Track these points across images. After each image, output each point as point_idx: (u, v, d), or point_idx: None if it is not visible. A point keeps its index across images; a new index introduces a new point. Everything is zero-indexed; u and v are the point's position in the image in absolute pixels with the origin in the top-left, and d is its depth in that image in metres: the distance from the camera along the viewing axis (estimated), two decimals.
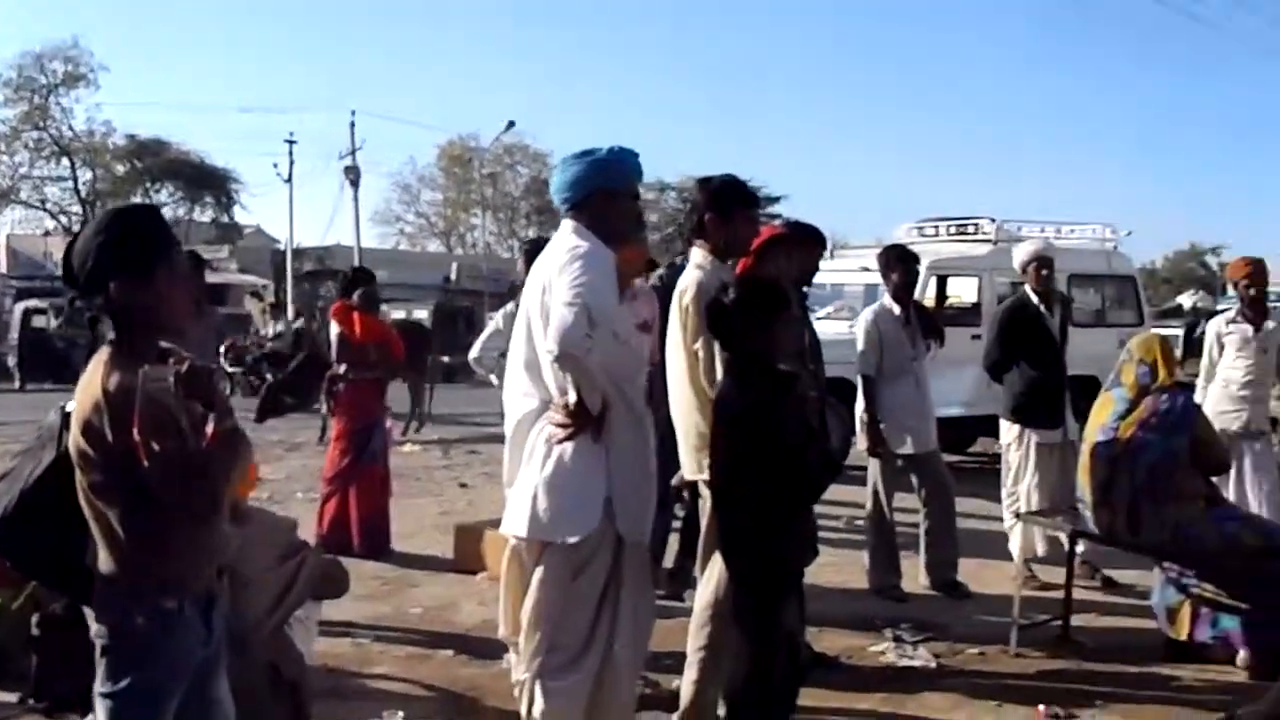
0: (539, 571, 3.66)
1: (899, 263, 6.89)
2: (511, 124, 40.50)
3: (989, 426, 7.88)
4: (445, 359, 32.55)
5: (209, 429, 2.49)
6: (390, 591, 6.62)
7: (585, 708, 3.65)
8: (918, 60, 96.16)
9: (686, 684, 4.24)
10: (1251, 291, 7.57)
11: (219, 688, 2.78)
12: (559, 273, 3.60)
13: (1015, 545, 6.78)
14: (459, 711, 4.75)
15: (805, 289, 5.99)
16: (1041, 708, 4.73)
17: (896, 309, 6.83)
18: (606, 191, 3.82)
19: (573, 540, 3.60)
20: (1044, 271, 7.10)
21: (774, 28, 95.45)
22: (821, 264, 5.99)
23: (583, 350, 3.44)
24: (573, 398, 3.58)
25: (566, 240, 3.75)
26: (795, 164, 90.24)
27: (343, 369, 7.90)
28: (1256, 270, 7.68)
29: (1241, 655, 5.29)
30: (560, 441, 3.61)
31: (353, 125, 38.47)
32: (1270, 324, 7.57)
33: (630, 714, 3.90)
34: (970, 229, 12.88)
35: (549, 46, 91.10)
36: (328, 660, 5.17)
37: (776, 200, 42.18)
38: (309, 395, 10.06)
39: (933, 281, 12.11)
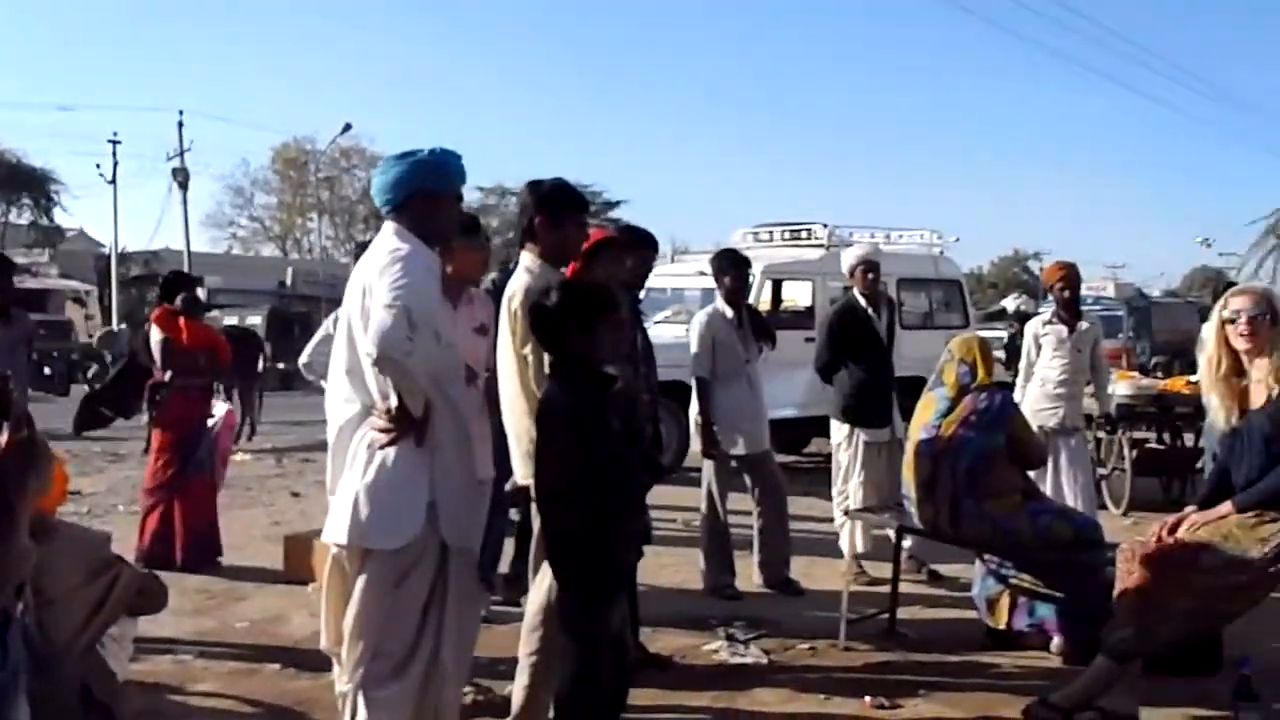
0: (361, 579, 3.58)
1: (731, 267, 7.00)
2: (348, 126, 39.84)
3: (823, 427, 8.05)
4: (281, 366, 31.77)
5: (1, 439, 2.37)
6: (216, 605, 6.41)
7: (410, 717, 3.59)
8: (757, 67, 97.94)
9: (518, 689, 4.21)
10: (1065, 294, 7.91)
11: (18, 710, 2.64)
12: (379, 275, 3.53)
13: (844, 542, 6.94)
14: None
15: (638, 293, 6.04)
16: (867, 699, 4.84)
17: (729, 312, 6.93)
18: (428, 193, 3.77)
19: (395, 547, 3.54)
20: (870, 275, 7.29)
21: (617, 33, 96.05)
22: (662, 269, 6.05)
23: (403, 353, 3.38)
24: (394, 402, 3.52)
25: (387, 242, 3.68)
26: (638, 170, 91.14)
27: (168, 376, 7.62)
28: (1070, 274, 8.03)
29: (1056, 642, 5.51)
30: (382, 447, 3.55)
31: (181, 125, 37.42)
32: (1084, 325, 7.92)
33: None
34: (804, 234, 13.18)
35: (388, 48, 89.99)
36: (146, 678, 4.97)
37: (616, 205, 42.58)
38: (129, 405, 9.68)
39: (768, 285, 12.35)
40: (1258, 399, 4.51)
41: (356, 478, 3.57)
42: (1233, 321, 4.51)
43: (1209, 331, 4.68)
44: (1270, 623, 5.35)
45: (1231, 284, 8.35)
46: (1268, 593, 4.49)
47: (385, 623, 3.57)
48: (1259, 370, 4.49)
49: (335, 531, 3.61)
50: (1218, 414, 4.66)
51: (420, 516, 3.54)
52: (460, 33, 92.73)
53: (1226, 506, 4.54)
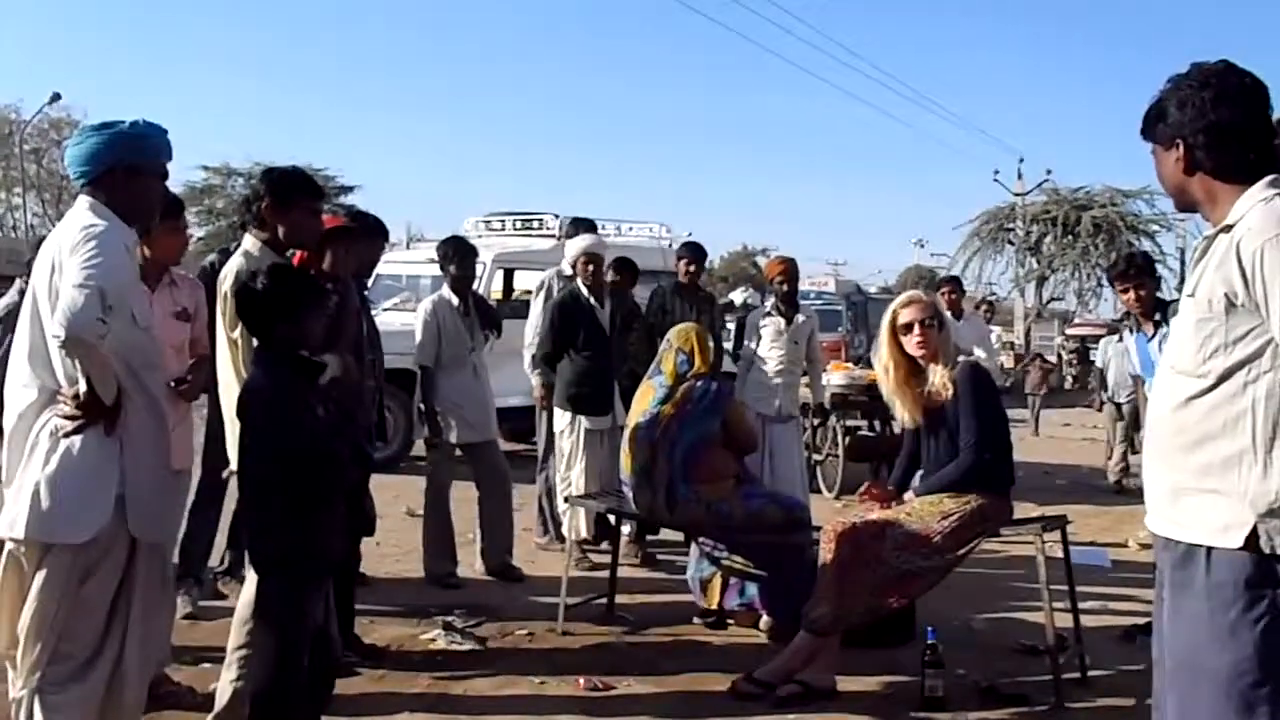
0: (40, 576, 3.34)
1: (456, 254, 6.96)
2: (57, 96, 37.04)
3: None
4: None
5: None
6: None
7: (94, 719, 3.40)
8: (496, 55, 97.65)
9: (224, 684, 4.06)
10: (784, 288, 8.25)
11: None
12: (70, 252, 3.31)
13: (566, 528, 7.01)
14: None
15: (365, 280, 5.92)
16: (581, 680, 4.91)
17: (455, 300, 6.89)
18: (129, 167, 3.57)
19: (79, 540, 3.33)
20: (590, 267, 7.40)
21: (353, 15, 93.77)
22: (394, 255, 5.96)
23: (95, 335, 3.19)
24: (83, 387, 3.31)
25: (81, 218, 3.46)
26: (373, 155, 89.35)
27: None
28: (788, 269, 8.38)
29: (764, 620, 5.74)
30: (68, 435, 3.33)
31: None
32: (800, 318, 8.29)
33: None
34: (535, 224, 13.23)
35: (106, 15, 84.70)
36: None
37: (350, 190, 41.45)
38: None
39: (499, 274, 12.33)
40: (939, 399, 4.83)
41: (37, 467, 3.34)
42: (907, 331, 4.82)
43: (881, 341, 4.99)
44: (954, 597, 5.77)
45: (956, 279, 8.93)
46: (951, 568, 4.82)
47: (67, 622, 3.35)
48: (934, 374, 4.82)
49: (11, 524, 3.37)
50: (902, 415, 4.98)
51: (108, 509, 3.35)
52: (191, 6, 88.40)
53: (908, 495, 4.88)
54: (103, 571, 3.39)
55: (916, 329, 4.80)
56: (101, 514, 3.34)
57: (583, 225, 8.42)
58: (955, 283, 10.42)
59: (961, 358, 4.89)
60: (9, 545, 3.43)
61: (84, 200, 3.55)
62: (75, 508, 3.32)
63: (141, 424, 3.45)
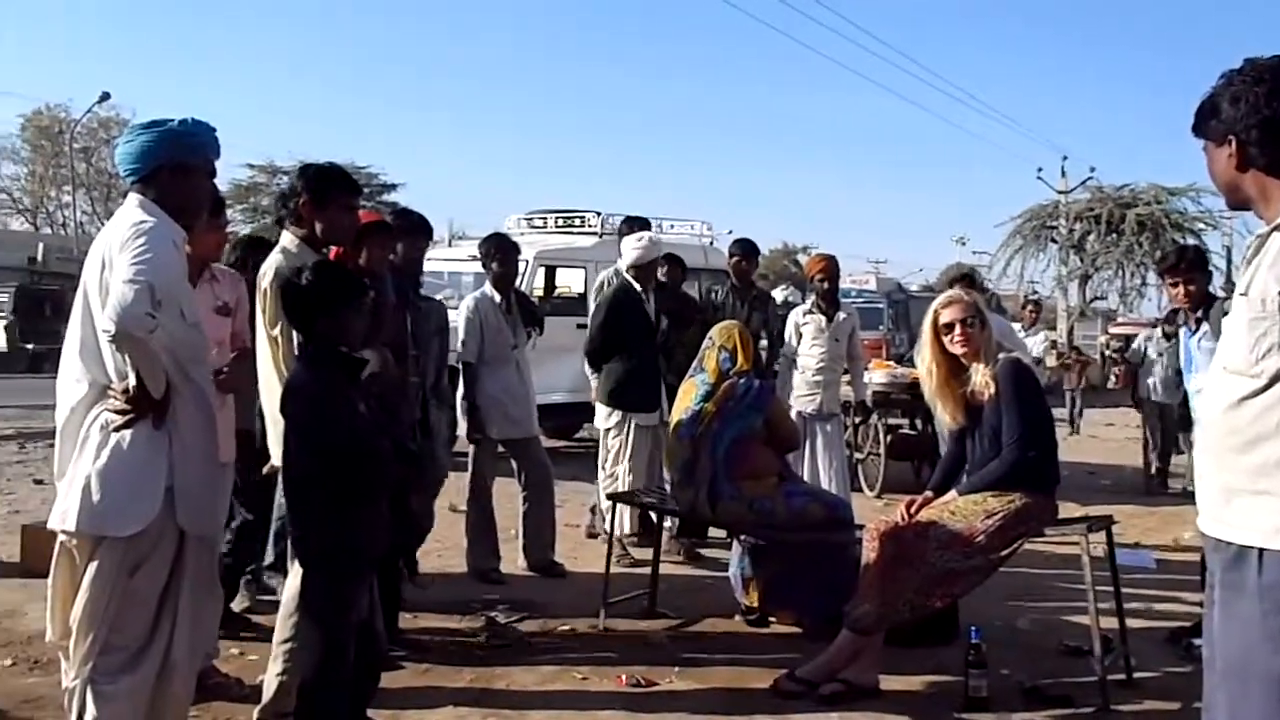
0: (92, 567, 3.38)
1: (499, 251, 6.99)
2: (106, 95, 37.43)
3: (592, 413, 8.11)
4: (29, 346, 29.93)
5: None
6: None
7: (141, 712, 3.44)
8: (537, 55, 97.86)
9: (270, 676, 4.11)
10: (825, 285, 8.23)
11: None
12: (120, 249, 3.35)
13: (609, 525, 7.01)
14: None
15: (418, 278, 5.96)
16: (623, 677, 4.92)
17: (497, 296, 6.91)
18: (178, 164, 3.60)
19: (129, 533, 3.37)
20: (650, 264, 7.42)
21: (398, 15, 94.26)
22: (436, 252, 5.98)
23: (145, 330, 3.23)
24: (133, 381, 3.35)
25: (131, 215, 3.50)
26: (416, 153, 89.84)
27: None
28: (829, 266, 8.36)
29: (804, 619, 5.72)
30: (118, 428, 3.37)
31: None
32: (841, 315, 8.26)
33: (186, 714, 3.70)
34: (577, 221, 13.25)
35: (153, 14, 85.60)
36: None
37: (393, 188, 41.66)
38: None
39: (540, 272, 12.37)
40: (982, 398, 4.80)
41: (88, 461, 3.38)
42: (948, 331, 4.80)
43: (923, 341, 4.96)
44: (998, 596, 5.73)
45: (970, 276, 8.80)
46: (995, 568, 4.78)
47: (117, 614, 3.39)
48: (978, 373, 4.79)
49: (64, 517, 3.42)
50: (944, 416, 4.95)
51: (157, 502, 3.38)
52: (238, 5, 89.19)
53: (952, 494, 4.85)
54: (152, 564, 3.43)
55: (958, 328, 4.78)
56: (151, 507, 3.38)
57: (637, 224, 8.39)
58: (969, 280, 9.99)
59: (1002, 354, 4.85)
60: (61, 537, 3.48)
61: (134, 197, 3.59)
62: (125, 501, 3.36)
63: (190, 418, 3.49)
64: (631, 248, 7.50)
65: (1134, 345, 12.70)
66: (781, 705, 4.66)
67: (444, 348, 6.22)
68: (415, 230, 5.80)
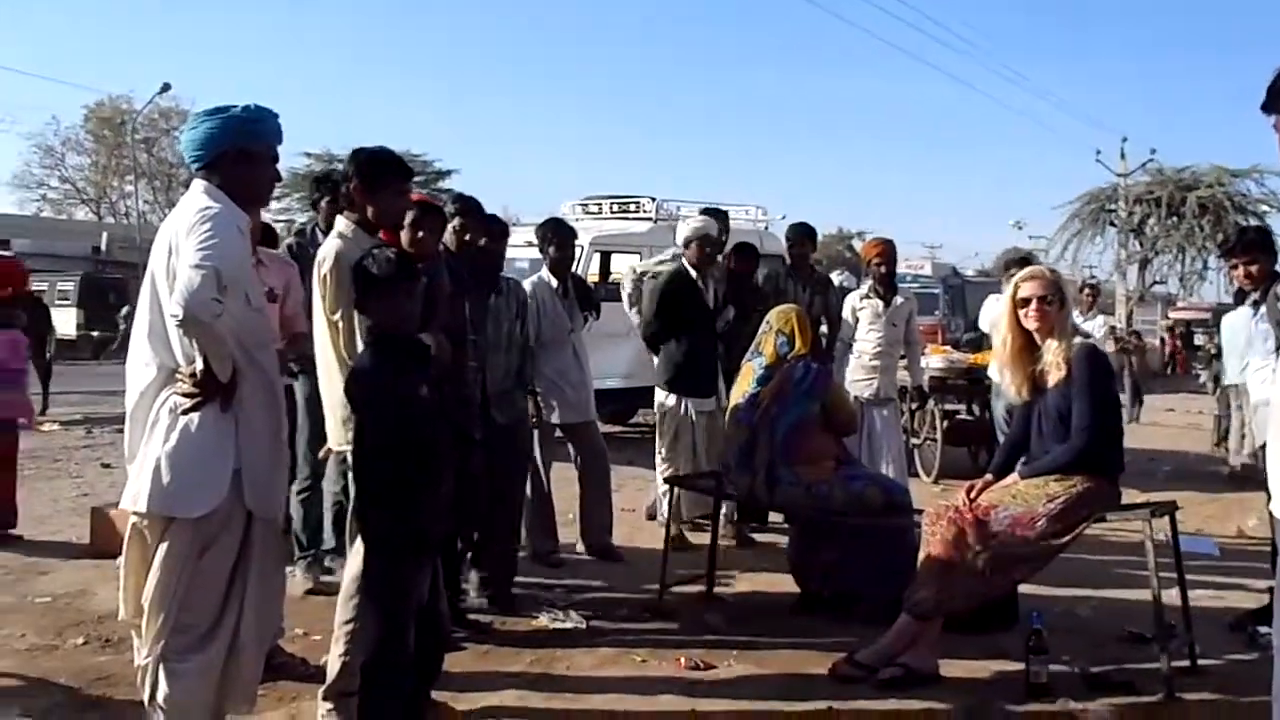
0: (162, 548, 3.45)
1: (555, 236, 7.00)
2: (167, 86, 37.82)
3: (648, 398, 8.13)
4: (95, 334, 30.45)
5: None
6: (14, 580, 6.14)
7: (212, 689, 3.50)
8: (593, 40, 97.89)
9: (333, 658, 4.15)
10: (881, 269, 8.17)
11: None
12: (187, 234, 3.40)
13: (666, 509, 7.03)
14: (87, 703, 4.45)
15: (499, 266, 5.98)
16: (682, 660, 4.94)
17: (554, 281, 6.93)
18: (241, 151, 3.64)
19: (198, 515, 3.43)
20: (707, 249, 7.40)
21: (454, 2, 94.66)
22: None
23: (211, 315, 3.28)
24: (200, 365, 3.41)
25: (196, 201, 3.55)
26: (470, 140, 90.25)
27: None
28: (886, 250, 8.29)
29: (862, 604, 5.69)
30: (186, 412, 3.43)
31: None
32: (899, 300, 8.20)
33: (255, 692, 3.77)
34: (632, 207, 13.25)
35: (213, 6, 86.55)
36: None
37: (448, 175, 41.88)
38: None
39: (596, 257, 12.39)
40: (1051, 378, 4.76)
41: (158, 444, 3.44)
42: (1025, 305, 4.76)
43: (1002, 312, 4.93)
44: (1058, 582, 5.67)
45: (1027, 260, 8.72)
46: (1056, 553, 4.74)
47: (187, 594, 3.46)
48: (1050, 351, 4.75)
49: (135, 499, 3.49)
50: (1010, 388, 4.93)
51: (225, 483, 3.44)
52: None
53: (1013, 477, 4.81)
54: (221, 544, 3.49)
55: (1034, 304, 4.75)
56: (219, 489, 3.44)
57: (709, 212, 8.34)
58: (1025, 264, 9.70)
59: (1078, 339, 4.80)
60: (133, 519, 3.55)
61: (199, 184, 3.64)
62: (194, 483, 3.42)
63: (256, 401, 3.54)
64: (682, 228, 7.51)
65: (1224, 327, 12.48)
66: (840, 690, 4.65)
67: (524, 332, 6.24)
68: (471, 214, 5.81)
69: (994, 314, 8.51)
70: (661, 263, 8.09)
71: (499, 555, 5.83)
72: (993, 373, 8.75)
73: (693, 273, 7.38)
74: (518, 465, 6.15)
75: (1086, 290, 14.13)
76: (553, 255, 6.95)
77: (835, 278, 13.82)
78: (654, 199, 13.02)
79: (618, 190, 13.87)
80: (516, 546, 6.17)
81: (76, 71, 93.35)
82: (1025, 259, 8.99)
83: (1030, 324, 4.78)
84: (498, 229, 5.94)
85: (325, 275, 4.28)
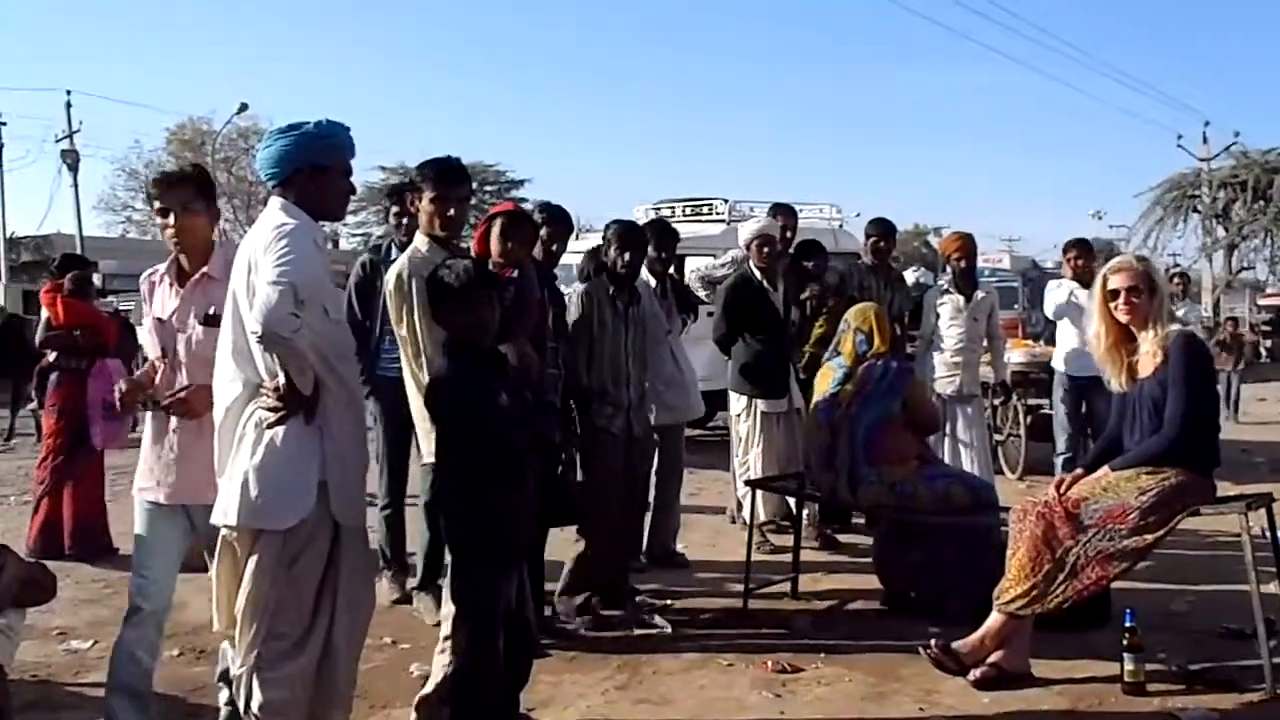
0: (253, 560, 3.49)
1: (657, 237, 6.96)
2: (244, 106, 38.56)
3: (725, 401, 8.09)
4: None
5: None
6: (111, 593, 6.25)
7: (305, 697, 3.54)
8: (660, 45, 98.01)
9: (437, 667, 4.17)
10: (962, 264, 8.05)
11: None
12: (264, 251, 3.44)
13: (747, 511, 6.99)
14: (183, 713, 4.54)
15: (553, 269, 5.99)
16: (769, 662, 4.90)
17: (653, 282, 6.90)
18: (315, 167, 3.67)
19: (286, 527, 3.47)
20: (765, 249, 7.33)
21: (523, 14, 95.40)
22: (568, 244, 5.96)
23: (289, 330, 3.31)
24: (282, 380, 3.45)
25: (273, 218, 3.59)
26: (541, 148, 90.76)
27: (52, 357, 7.48)
28: (966, 245, 8.17)
29: (949, 604, 5.61)
30: (271, 425, 3.47)
31: (69, 105, 36.02)
32: (979, 294, 8.08)
33: (349, 699, 3.80)
34: (705, 209, 13.22)
35: (286, 25, 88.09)
36: (38, 669, 4.89)
37: (520, 184, 42.20)
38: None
39: None
40: (1146, 368, 4.66)
41: (245, 457, 3.48)
42: (1114, 297, 4.66)
43: (1093, 305, 4.83)
44: (1151, 578, 5.54)
45: (1084, 242, 8.60)
46: (1149, 548, 4.61)
47: (278, 604, 3.50)
48: (1145, 341, 4.65)
49: (225, 512, 3.54)
50: (1110, 380, 4.82)
51: (311, 496, 3.47)
52: (364, 11, 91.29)
53: (1105, 469, 4.70)
54: (310, 555, 3.52)
55: (1123, 296, 4.65)
56: (305, 500, 3.47)
57: (780, 209, 8.29)
58: (1082, 246, 9.03)
59: (1176, 327, 4.69)
60: (224, 532, 3.61)
61: (275, 201, 3.67)
62: (281, 495, 3.46)
63: (339, 413, 3.57)
64: (743, 230, 7.48)
65: None
66: (930, 691, 4.60)
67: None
68: (557, 222, 5.81)
69: (1058, 301, 8.41)
70: (721, 265, 8.04)
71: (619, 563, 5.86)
72: (1056, 363, 8.61)
73: (757, 274, 7.32)
74: (647, 474, 6.17)
75: (1177, 279, 13.83)
76: (652, 256, 6.79)
77: (911, 275, 13.63)
78: (727, 200, 12.98)
79: (690, 193, 13.86)
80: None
81: (157, 95, 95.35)
82: (1082, 240, 8.83)
83: (1121, 316, 4.68)
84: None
85: (390, 291, 4.39)
